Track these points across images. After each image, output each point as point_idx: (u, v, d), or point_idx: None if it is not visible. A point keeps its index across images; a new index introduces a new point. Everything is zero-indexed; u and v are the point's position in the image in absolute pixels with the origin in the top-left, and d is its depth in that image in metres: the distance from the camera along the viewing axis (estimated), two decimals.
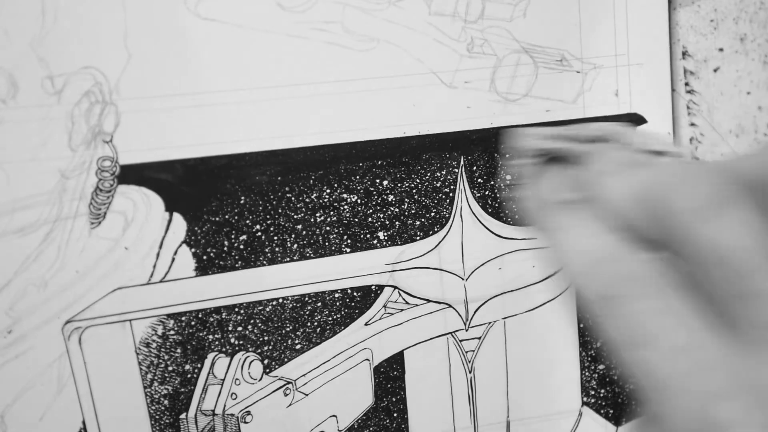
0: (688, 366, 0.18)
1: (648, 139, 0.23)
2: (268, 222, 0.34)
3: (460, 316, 0.36)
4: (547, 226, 0.22)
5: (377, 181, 0.34)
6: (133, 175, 0.32)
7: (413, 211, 0.35)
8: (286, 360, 0.35)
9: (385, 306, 0.35)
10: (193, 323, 0.33)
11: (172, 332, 0.33)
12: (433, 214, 0.35)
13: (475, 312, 0.36)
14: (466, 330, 0.36)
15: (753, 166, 0.20)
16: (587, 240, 0.20)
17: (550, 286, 0.37)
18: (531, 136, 0.23)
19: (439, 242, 0.35)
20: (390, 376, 0.36)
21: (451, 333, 0.36)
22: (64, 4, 0.30)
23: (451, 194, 0.35)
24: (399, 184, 0.34)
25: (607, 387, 0.38)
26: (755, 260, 0.18)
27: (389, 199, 0.35)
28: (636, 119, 0.36)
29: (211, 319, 0.34)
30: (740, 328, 0.18)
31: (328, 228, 0.34)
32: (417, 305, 0.36)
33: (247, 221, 0.33)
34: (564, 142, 0.23)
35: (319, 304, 0.35)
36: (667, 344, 0.18)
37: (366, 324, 0.35)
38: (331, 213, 0.34)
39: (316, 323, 0.35)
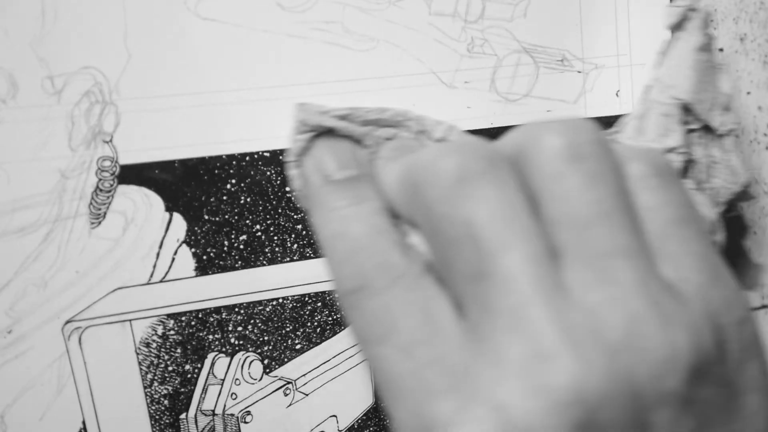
0: (421, 360, 0.17)
1: (428, 124, 0.23)
2: (268, 222, 0.34)
3: None
4: (316, 206, 0.21)
5: None
6: (133, 175, 0.32)
7: None
8: (286, 360, 0.35)
9: None
10: (193, 323, 0.33)
11: (172, 332, 0.33)
12: None
13: None
14: None
15: (504, 143, 0.19)
16: (352, 221, 0.19)
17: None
18: (310, 110, 0.22)
19: None
20: None
21: None
22: (64, 4, 0.30)
23: None
24: None
25: None
26: (496, 239, 0.16)
27: None
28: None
29: (211, 319, 0.34)
30: (472, 315, 0.17)
31: None
32: None
33: (247, 221, 0.33)
34: (343, 120, 0.22)
35: (319, 304, 0.35)
36: (404, 339, 0.17)
37: None
38: None
39: (316, 323, 0.35)
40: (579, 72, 0.35)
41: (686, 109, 0.31)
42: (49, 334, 0.32)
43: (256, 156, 0.33)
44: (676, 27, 0.32)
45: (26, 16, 0.30)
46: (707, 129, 0.32)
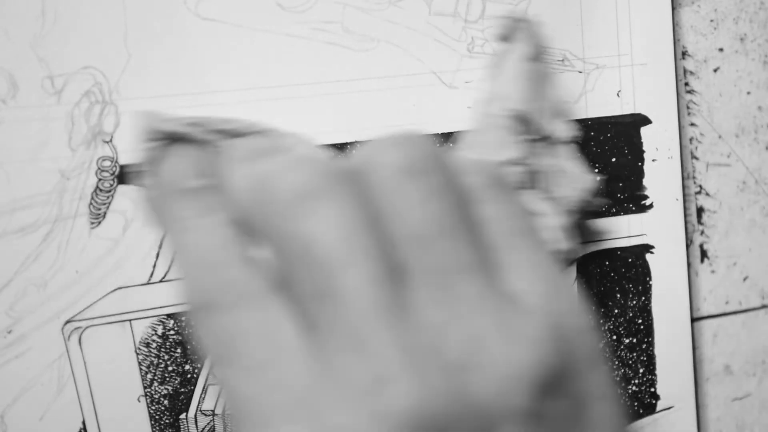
0: (268, 382, 0.16)
1: (280, 136, 0.22)
2: None
3: None
4: (164, 218, 0.20)
5: None
6: (133, 175, 0.32)
7: None
8: None
9: None
10: (193, 323, 0.33)
11: (172, 332, 0.33)
12: None
13: None
14: None
15: (350, 159, 0.18)
16: (201, 233, 0.19)
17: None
18: (157, 117, 0.22)
19: None
20: None
21: None
22: (64, 4, 0.30)
23: None
24: None
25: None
26: (337, 257, 0.16)
27: None
28: (640, 120, 0.36)
29: None
30: (319, 334, 0.16)
31: None
32: None
33: None
34: (193, 127, 0.21)
35: None
36: (248, 361, 0.16)
37: None
38: None
39: None
40: (580, 72, 0.35)
41: (523, 120, 0.31)
42: (49, 334, 0.32)
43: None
44: (506, 39, 0.32)
45: (26, 16, 0.30)
46: (544, 139, 0.31)
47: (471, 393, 0.15)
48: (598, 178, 0.32)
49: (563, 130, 0.32)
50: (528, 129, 0.31)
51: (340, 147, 0.33)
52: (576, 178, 0.32)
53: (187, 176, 0.20)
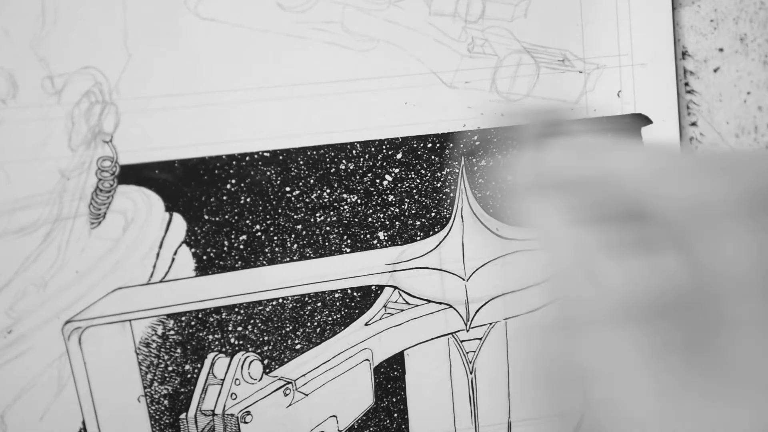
0: (628, 390, 0.16)
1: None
2: (268, 222, 0.33)
3: (461, 316, 0.36)
4: (535, 214, 0.19)
5: (377, 181, 0.34)
6: (133, 175, 0.32)
7: (413, 211, 0.35)
8: (286, 360, 0.35)
9: (385, 306, 0.35)
10: (193, 323, 0.33)
11: (172, 332, 0.33)
12: (433, 214, 0.35)
13: (476, 313, 0.36)
14: (467, 330, 0.36)
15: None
16: (567, 246, 0.18)
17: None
18: (543, 110, 0.21)
19: (440, 242, 0.35)
20: (390, 376, 0.36)
21: (452, 333, 0.36)
22: (64, 4, 0.30)
23: (451, 194, 0.35)
24: (399, 184, 0.34)
25: None
26: (739, 286, 0.15)
27: (389, 199, 0.34)
28: (640, 120, 0.36)
29: (211, 319, 0.34)
30: (711, 364, 0.15)
31: (328, 228, 0.34)
32: (417, 305, 0.36)
33: (247, 221, 0.33)
34: (569, 122, 0.21)
35: (319, 304, 0.35)
36: (611, 372, 0.16)
37: (366, 324, 0.35)
38: (331, 213, 0.34)
39: (316, 323, 0.35)
40: (580, 72, 0.35)
41: None
42: (49, 334, 0.32)
43: (256, 156, 0.33)
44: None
45: (26, 16, 0.30)
46: None
47: None
48: None
49: None
50: None
51: (340, 147, 0.33)
52: None
53: (561, 170, 0.19)
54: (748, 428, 0.15)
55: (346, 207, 0.34)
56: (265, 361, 0.34)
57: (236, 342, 0.34)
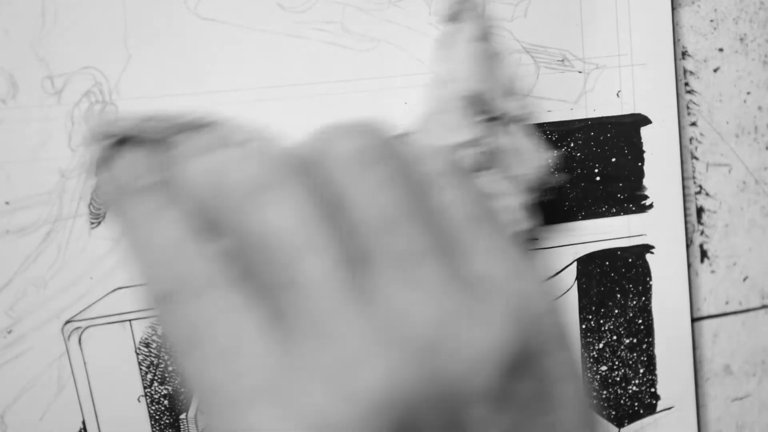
0: (233, 368, 0.16)
1: (230, 128, 0.22)
2: None
3: None
4: (120, 215, 0.20)
5: None
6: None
7: None
8: None
9: None
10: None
11: None
12: None
13: None
14: None
15: (304, 149, 0.19)
16: (156, 230, 0.19)
17: (551, 287, 0.37)
18: (107, 119, 0.22)
19: None
20: None
21: None
22: (64, 4, 0.30)
23: None
24: None
25: (609, 389, 0.38)
26: (296, 246, 0.16)
27: None
28: (640, 120, 0.36)
29: None
30: (284, 323, 0.16)
31: None
32: None
33: None
34: (144, 124, 0.21)
35: None
36: (214, 348, 0.17)
37: None
38: None
39: None
40: (580, 72, 0.35)
41: (475, 101, 0.30)
42: (49, 334, 0.32)
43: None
44: (452, 19, 0.31)
45: (26, 16, 0.30)
46: (498, 118, 0.31)
47: (439, 374, 0.16)
48: (555, 153, 0.32)
49: (516, 108, 0.32)
50: (481, 109, 0.30)
51: None
52: (532, 156, 0.31)
53: (139, 174, 0.20)
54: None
55: None
56: None
57: None
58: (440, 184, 0.19)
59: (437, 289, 0.17)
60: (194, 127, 0.22)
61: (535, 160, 0.31)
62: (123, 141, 0.21)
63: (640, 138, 0.36)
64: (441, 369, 0.16)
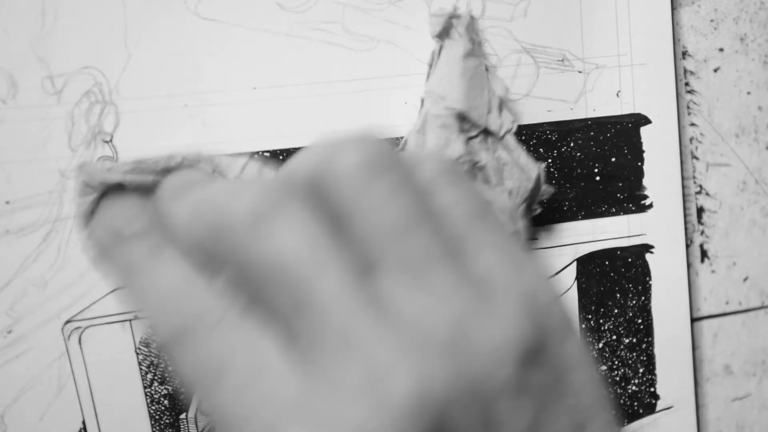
0: (259, 395, 0.16)
1: (224, 162, 0.22)
2: None
3: None
4: (116, 264, 0.20)
5: None
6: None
7: None
8: None
9: None
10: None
11: None
12: None
13: None
14: None
15: (302, 167, 0.18)
16: (157, 273, 0.19)
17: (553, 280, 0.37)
18: (93, 170, 0.21)
19: None
20: None
21: None
22: (64, 4, 0.30)
23: None
24: None
25: (608, 388, 0.38)
26: (306, 268, 0.16)
27: None
28: (640, 120, 0.36)
29: None
30: (303, 344, 0.17)
31: None
32: None
33: None
34: (130, 173, 0.21)
35: None
36: (239, 376, 0.17)
37: None
38: None
39: None
40: (579, 72, 0.35)
41: (462, 117, 0.31)
42: (49, 334, 0.32)
43: (256, 156, 0.33)
44: (441, 36, 0.32)
45: (26, 16, 0.30)
46: (488, 133, 0.32)
47: (463, 372, 0.16)
48: (543, 166, 0.32)
49: (506, 122, 0.32)
50: (469, 125, 0.31)
51: None
52: (523, 169, 0.32)
53: (127, 222, 0.20)
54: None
55: None
56: None
57: None
58: (438, 187, 0.19)
59: (450, 291, 0.17)
60: (184, 167, 0.22)
61: (525, 172, 0.32)
62: (111, 189, 0.21)
63: (639, 138, 0.36)
64: (464, 367, 0.16)
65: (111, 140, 0.32)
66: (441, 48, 0.32)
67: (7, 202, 0.31)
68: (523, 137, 0.34)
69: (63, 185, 0.31)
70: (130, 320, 0.33)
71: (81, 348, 0.32)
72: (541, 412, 0.17)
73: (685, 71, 0.37)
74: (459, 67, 0.31)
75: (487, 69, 0.32)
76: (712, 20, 0.37)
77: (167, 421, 0.34)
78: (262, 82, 0.32)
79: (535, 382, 0.17)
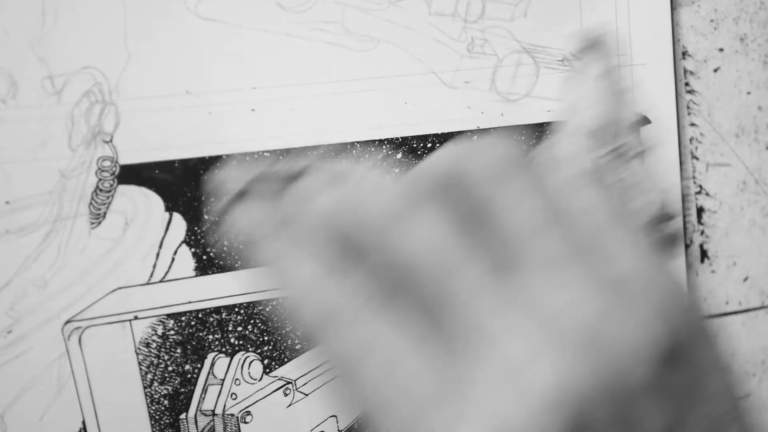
0: (400, 383, 0.17)
1: (341, 169, 0.23)
2: None
3: None
4: (263, 261, 0.21)
5: None
6: (133, 175, 0.32)
7: None
8: (286, 360, 0.35)
9: None
10: (193, 323, 0.33)
11: (172, 332, 0.33)
12: None
13: None
14: None
15: (433, 168, 0.19)
16: (298, 266, 0.20)
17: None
18: (230, 176, 0.23)
19: None
20: None
21: None
22: (64, 4, 0.30)
23: None
24: None
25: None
26: (445, 263, 0.17)
27: None
28: (640, 120, 0.36)
29: (211, 319, 0.34)
30: (443, 333, 0.17)
31: None
32: None
33: None
34: (254, 182, 0.23)
35: None
36: (379, 364, 0.18)
37: None
38: None
39: None
40: None
41: (592, 136, 0.32)
42: (49, 334, 0.32)
43: (256, 156, 0.33)
44: (584, 53, 0.33)
45: (26, 16, 0.30)
46: (616, 154, 0.32)
47: (603, 368, 0.16)
48: (669, 189, 0.34)
49: (637, 144, 0.33)
50: (598, 145, 0.32)
51: (341, 147, 0.34)
52: (647, 193, 0.33)
53: (266, 220, 0.22)
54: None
55: None
56: (265, 361, 0.34)
57: (236, 342, 0.34)
58: (573, 190, 0.20)
59: (588, 290, 0.17)
60: (307, 174, 0.23)
61: (651, 194, 0.32)
62: (242, 194, 0.23)
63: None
64: (604, 363, 0.16)
65: (111, 140, 0.32)
66: (579, 66, 0.33)
67: (7, 202, 0.31)
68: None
69: (63, 185, 0.31)
70: (130, 320, 0.33)
71: (81, 348, 0.32)
72: (678, 415, 0.18)
73: (685, 71, 0.37)
74: (596, 86, 0.32)
75: (620, 91, 0.33)
76: (712, 20, 0.37)
77: (167, 421, 0.34)
78: (262, 82, 0.32)
79: (672, 384, 0.17)
